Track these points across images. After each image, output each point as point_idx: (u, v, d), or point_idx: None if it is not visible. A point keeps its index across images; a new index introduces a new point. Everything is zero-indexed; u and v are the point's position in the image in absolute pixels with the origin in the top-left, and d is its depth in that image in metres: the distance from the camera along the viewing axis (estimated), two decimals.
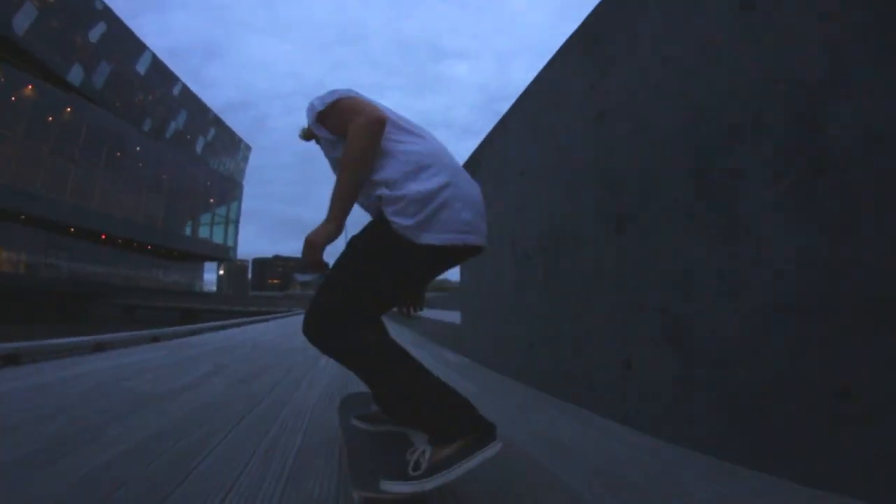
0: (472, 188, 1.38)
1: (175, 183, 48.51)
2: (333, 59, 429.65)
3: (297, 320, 13.07)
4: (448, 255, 1.32)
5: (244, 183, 63.80)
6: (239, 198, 61.48)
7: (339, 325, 1.25)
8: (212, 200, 55.81)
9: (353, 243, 1.34)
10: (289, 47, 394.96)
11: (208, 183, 54.94)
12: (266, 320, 16.51)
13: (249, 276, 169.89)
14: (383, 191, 1.26)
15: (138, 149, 43.13)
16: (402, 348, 1.28)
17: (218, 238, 57.57)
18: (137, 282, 44.94)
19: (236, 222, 60.83)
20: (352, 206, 1.32)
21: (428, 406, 1.23)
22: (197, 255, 54.57)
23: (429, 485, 1.11)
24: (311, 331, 1.27)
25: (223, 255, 58.81)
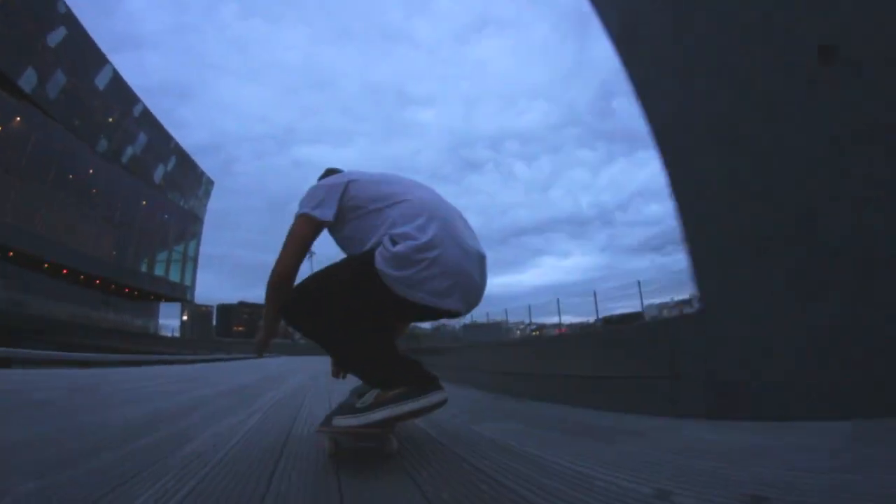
0: (457, 251, 1.54)
1: (130, 212, 43.70)
2: (304, 104, 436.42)
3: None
4: (420, 310, 1.57)
5: (205, 220, 58.94)
6: (198, 235, 56.47)
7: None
8: (169, 235, 50.74)
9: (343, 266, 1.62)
10: (260, 91, 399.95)
11: (166, 216, 50.03)
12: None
13: (214, 322, 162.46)
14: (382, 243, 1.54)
15: (91, 171, 38.56)
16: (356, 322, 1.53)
17: (174, 277, 52.11)
18: (81, 319, 39.08)
19: (195, 260, 55.63)
20: (279, 320, 1.72)
21: (374, 361, 1.52)
22: (151, 293, 48.67)
23: (374, 416, 1.39)
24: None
25: (180, 294, 53.05)
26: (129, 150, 43.82)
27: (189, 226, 54.34)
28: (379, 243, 1.54)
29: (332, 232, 1.79)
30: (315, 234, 1.72)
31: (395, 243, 1.51)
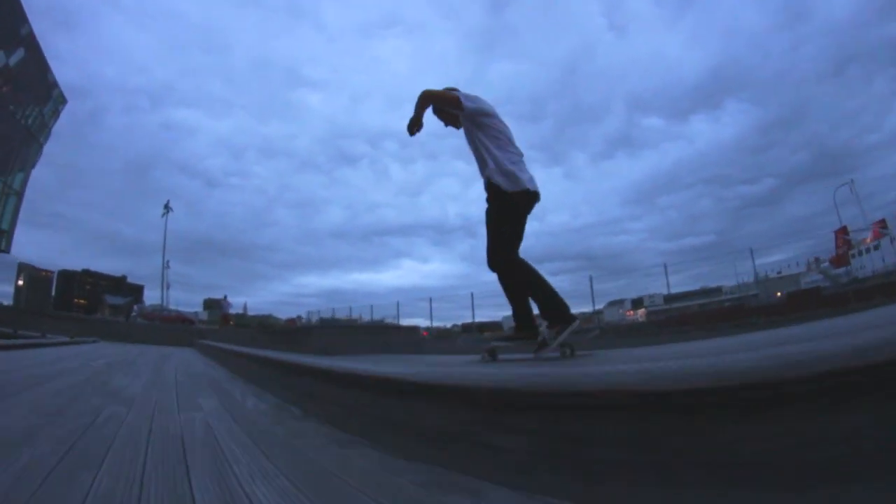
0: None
1: None
2: (189, 64, 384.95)
3: None
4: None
5: (46, 147, 43.49)
6: (31, 163, 41.49)
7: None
8: None
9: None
10: (149, 39, 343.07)
11: None
12: None
13: (53, 292, 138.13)
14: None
15: None
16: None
17: None
18: None
19: (19, 196, 40.07)
20: (421, 114, 3.12)
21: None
22: None
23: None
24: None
25: None
26: None
27: (21, 147, 39.59)
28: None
29: (463, 120, 3.13)
30: (453, 104, 3.03)
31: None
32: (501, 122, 3.09)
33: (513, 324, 3.06)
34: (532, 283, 2.84)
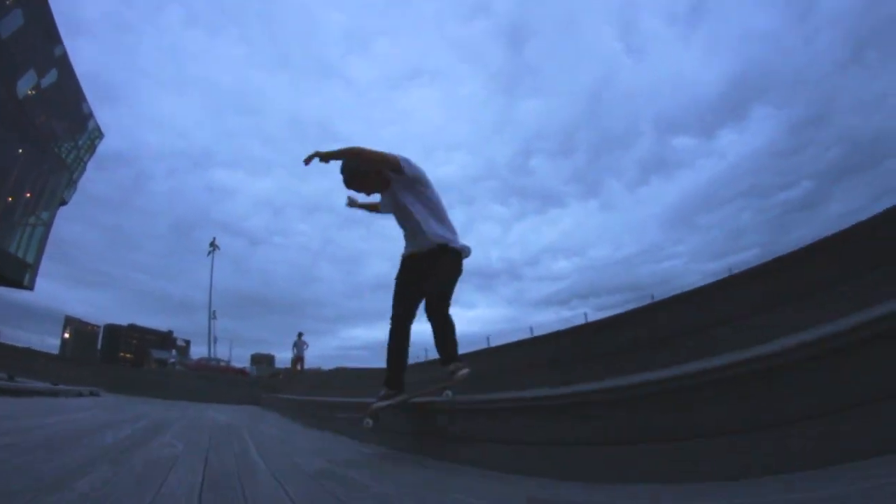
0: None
1: None
2: (226, 127, 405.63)
3: None
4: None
5: (79, 182, 40.14)
6: (60, 192, 37.28)
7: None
8: (17, 180, 31.46)
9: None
10: (184, 105, 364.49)
11: (20, 150, 31.16)
12: None
13: (99, 345, 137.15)
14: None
15: None
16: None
17: (6, 244, 31.17)
18: None
19: (47, 227, 35.42)
20: (333, 158, 3.07)
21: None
22: None
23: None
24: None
25: (15, 276, 31.31)
26: None
27: (53, 176, 35.88)
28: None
29: (395, 186, 3.22)
30: (389, 165, 3.10)
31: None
32: (437, 194, 3.26)
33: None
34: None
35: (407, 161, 3.07)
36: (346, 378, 13.62)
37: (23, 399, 7.46)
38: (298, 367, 19.66)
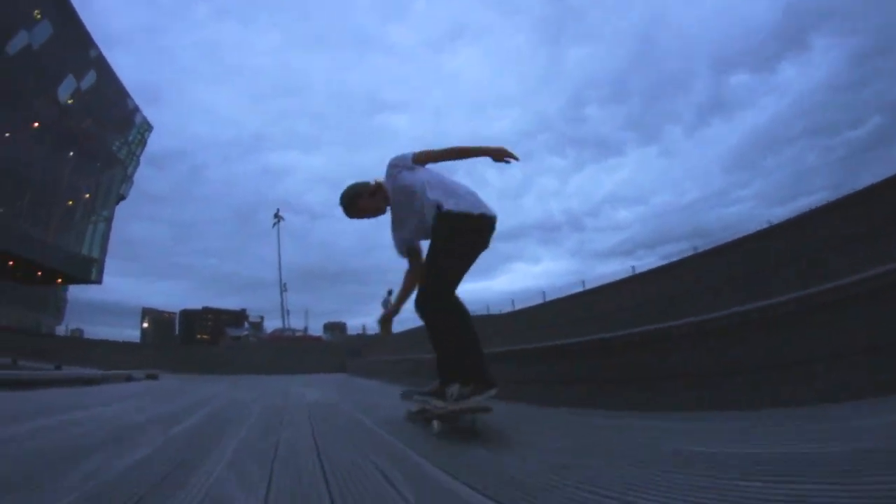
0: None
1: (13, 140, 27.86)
2: (274, 110, 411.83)
3: None
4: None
5: (135, 177, 41.91)
6: (120, 191, 39.39)
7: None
8: (73, 183, 33.67)
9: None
10: (229, 95, 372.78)
11: (70, 153, 32.78)
12: None
13: (177, 330, 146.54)
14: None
15: None
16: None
17: (74, 245, 33.20)
18: None
19: (108, 223, 37.52)
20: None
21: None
22: (47, 268, 30.35)
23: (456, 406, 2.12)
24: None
25: (82, 272, 33.97)
26: (23, 37, 27.83)
27: (107, 172, 37.68)
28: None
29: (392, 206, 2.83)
30: (379, 205, 2.84)
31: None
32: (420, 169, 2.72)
33: None
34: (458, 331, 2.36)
35: (387, 178, 2.75)
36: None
37: (57, 389, 6.39)
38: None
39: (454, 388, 2.16)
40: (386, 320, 2.98)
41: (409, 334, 15.13)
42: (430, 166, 2.68)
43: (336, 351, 20.25)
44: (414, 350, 9.24)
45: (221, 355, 19.44)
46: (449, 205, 2.42)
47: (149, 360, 15.84)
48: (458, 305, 2.39)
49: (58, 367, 10.43)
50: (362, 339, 22.65)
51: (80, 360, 14.41)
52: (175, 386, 8.34)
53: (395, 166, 2.66)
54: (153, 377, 10.39)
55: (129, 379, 9.35)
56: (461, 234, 2.43)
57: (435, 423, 2.19)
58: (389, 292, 18.10)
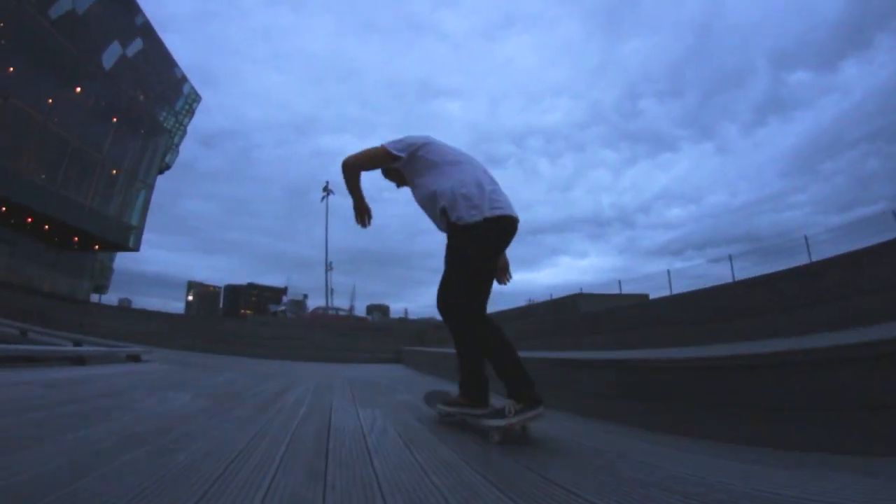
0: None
1: (55, 104, 27.40)
2: (325, 95, 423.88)
3: None
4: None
5: (181, 146, 42.44)
6: (165, 160, 39.36)
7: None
8: (115, 149, 32.93)
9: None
10: (282, 79, 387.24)
11: (114, 119, 32.05)
12: None
13: (221, 303, 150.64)
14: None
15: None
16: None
17: (112, 212, 32.53)
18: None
19: (149, 190, 37.00)
20: (356, 191, 2.58)
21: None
22: (84, 233, 29.80)
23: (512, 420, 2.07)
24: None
25: (120, 239, 33.60)
26: (65, 2, 27.11)
27: (150, 140, 37.15)
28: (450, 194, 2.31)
29: (405, 172, 2.55)
30: (384, 160, 2.48)
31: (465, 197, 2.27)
32: (441, 146, 2.55)
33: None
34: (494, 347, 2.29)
35: (394, 142, 2.51)
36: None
37: None
38: None
39: (510, 405, 2.10)
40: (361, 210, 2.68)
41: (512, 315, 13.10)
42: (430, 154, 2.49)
43: (387, 334, 17.68)
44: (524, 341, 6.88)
45: (249, 332, 17.32)
46: (459, 212, 2.28)
47: (163, 333, 14.58)
48: (488, 317, 2.35)
49: (23, 334, 8.82)
50: (426, 323, 19.74)
51: (86, 327, 13.15)
52: (163, 376, 5.00)
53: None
54: (135, 359, 6.88)
55: (81, 361, 5.66)
56: (460, 246, 2.32)
57: (496, 435, 2.08)
58: None
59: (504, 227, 2.30)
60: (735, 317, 4.50)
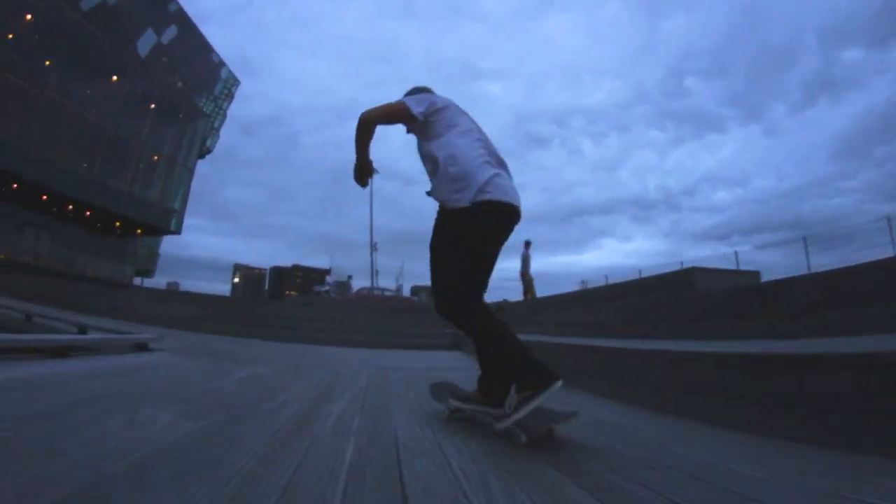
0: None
1: (92, 94, 28.15)
2: (367, 78, 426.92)
3: None
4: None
5: (221, 131, 42.64)
6: (205, 144, 39.90)
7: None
8: (153, 133, 33.84)
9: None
10: (324, 65, 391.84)
11: (152, 105, 32.86)
12: None
13: (267, 285, 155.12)
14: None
15: (30, 17, 24.05)
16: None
17: (153, 196, 33.68)
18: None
19: (190, 174, 37.93)
20: (365, 152, 2.40)
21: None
22: (126, 218, 31.15)
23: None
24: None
25: (161, 223, 34.91)
26: None
27: (189, 124, 37.82)
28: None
29: (415, 133, 2.36)
30: (402, 116, 2.24)
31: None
32: (457, 113, 2.33)
33: None
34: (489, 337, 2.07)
35: (415, 100, 2.29)
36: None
37: None
38: (529, 293, 13.87)
39: (511, 398, 1.84)
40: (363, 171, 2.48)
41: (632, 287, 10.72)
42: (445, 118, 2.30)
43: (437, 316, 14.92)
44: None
45: (288, 314, 16.35)
46: (443, 193, 2.12)
47: (199, 316, 14.25)
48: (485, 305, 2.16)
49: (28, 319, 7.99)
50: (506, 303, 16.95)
51: (118, 311, 13.02)
52: (162, 374, 3.88)
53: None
54: (143, 347, 5.55)
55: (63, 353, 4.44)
56: (445, 230, 2.16)
57: (522, 436, 1.79)
58: (528, 244, 13.93)
59: (492, 212, 2.07)
60: None
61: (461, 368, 5.44)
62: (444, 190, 2.09)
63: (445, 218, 2.11)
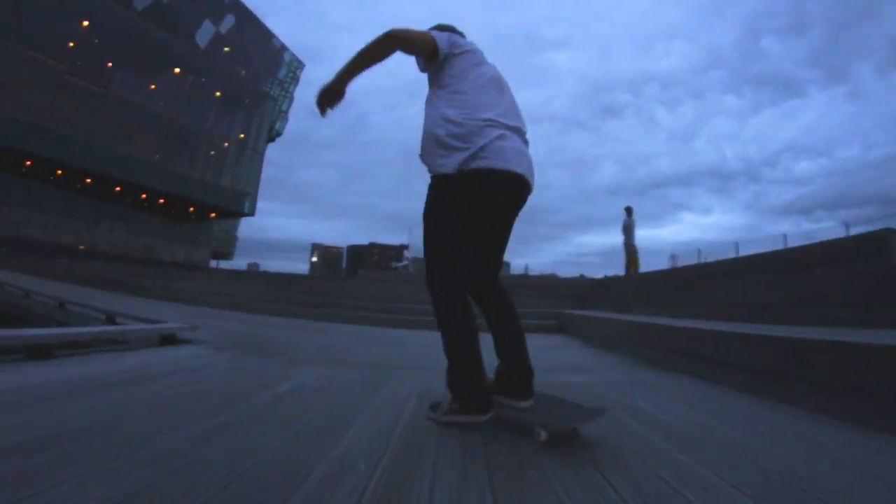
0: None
1: (157, 87, 29.63)
2: None
3: None
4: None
5: (290, 113, 43.60)
6: (274, 127, 41.13)
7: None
8: (221, 120, 35.57)
9: None
10: None
11: (217, 93, 34.24)
12: None
13: (344, 263, 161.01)
14: None
15: (87, 23, 25.68)
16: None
17: (225, 181, 35.40)
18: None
19: (260, 155, 39.51)
20: (358, 70, 1.91)
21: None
22: (199, 203, 33.11)
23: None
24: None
25: (235, 205, 36.65)
26: None
27: (256, 109, 39.09)
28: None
29: (428, 73, 2.00)
30: (427, 48, 1.89)
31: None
32: (481, 62, 1.98)
33: None
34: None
35: (444, 37, 1.95)
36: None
37: None
38: (633, 266, 12.00)
39: (445, 403, 1.76)
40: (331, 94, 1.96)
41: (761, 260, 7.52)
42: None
43: (540, 292, 10.88)
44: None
45: (357, 294, 15.01)
46: (428, 158, 1.84)
47: (263, 296, 14.14)
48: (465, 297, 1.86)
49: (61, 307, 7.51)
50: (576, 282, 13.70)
51: (171, 292, 13.13)
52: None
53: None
54: (170, 339, 4.02)
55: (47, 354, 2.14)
56: (438, 205, 1.82)
57: (542, 433, 1.54)
58: (629, 210, 12.18)
59: (489, 182, 1.73)
60: None
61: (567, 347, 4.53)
62: (427, 152, 1.83)
63: (432, 187, 1.82)
